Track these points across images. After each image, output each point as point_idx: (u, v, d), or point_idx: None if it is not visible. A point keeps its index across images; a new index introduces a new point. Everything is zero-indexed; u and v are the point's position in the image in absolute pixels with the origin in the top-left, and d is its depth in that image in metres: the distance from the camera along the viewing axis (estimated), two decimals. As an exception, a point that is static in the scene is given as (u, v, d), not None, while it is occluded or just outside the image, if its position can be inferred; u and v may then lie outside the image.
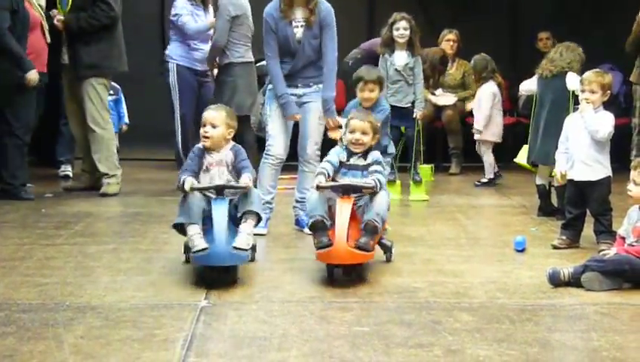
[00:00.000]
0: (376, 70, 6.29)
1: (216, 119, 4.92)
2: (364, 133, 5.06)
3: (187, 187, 4.68)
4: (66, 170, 8.89)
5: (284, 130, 6.07)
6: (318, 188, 4.87)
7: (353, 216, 4.83)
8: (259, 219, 4.82)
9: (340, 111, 6.22)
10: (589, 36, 8.33)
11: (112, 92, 8.98)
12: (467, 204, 7.78)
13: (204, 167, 4.91)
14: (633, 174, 4.91)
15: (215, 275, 4.58)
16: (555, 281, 4.66)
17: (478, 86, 9.10)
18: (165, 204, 7.21)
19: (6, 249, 5.55)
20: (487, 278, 4.87)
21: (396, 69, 7.87)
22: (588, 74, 5.62)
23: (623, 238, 4.90)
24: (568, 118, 5.76)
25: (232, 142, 5.00)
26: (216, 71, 8.02)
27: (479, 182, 8.81)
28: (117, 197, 7.70)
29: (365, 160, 5.06)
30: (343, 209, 4.76)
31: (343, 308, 4.21)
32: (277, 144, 6.04)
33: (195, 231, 4.63)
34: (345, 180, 4.99)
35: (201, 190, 4.75)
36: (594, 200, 5.58)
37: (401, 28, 7.85)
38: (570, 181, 5.65)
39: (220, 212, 4.62)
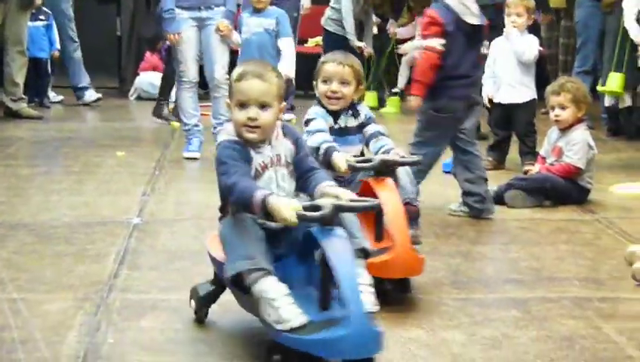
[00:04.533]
0: None
1: (268, 94, 2.83)
2: (343, 82, 3.61)
3: (289, 215, 2.57)
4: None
5: (194, 54, 6.06)
6: (352, 169, 3.41)
7: None
8: (365, 256, 2.87)
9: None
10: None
11: (42, 17, 8.85)
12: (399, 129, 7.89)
13: (253, 171, 2.85)
14: (557, 99, 5.01)
15: None
16: (480, 199, 4.80)
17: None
18: (98, 129, 7.20)
19: (-64, 171, 5.52)
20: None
21: None
22: None
23: (544, 158, 5.08)
24: (494, 43, 5.87)
25: (281, 122, 2.97)
26: None
27: None
28: (49, 123, 7.65)
29: (356, 118, 3.71)
30: (391, 199, 3.29)
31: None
32: (189, 68, 6.04)
33: (279, 292, 2.61)
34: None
35: (307, 220, 2.59)
36: (519, 122, 5.74)
37: None
38: (498, 104, 5.79)
39: (344, 260, 2.54)
